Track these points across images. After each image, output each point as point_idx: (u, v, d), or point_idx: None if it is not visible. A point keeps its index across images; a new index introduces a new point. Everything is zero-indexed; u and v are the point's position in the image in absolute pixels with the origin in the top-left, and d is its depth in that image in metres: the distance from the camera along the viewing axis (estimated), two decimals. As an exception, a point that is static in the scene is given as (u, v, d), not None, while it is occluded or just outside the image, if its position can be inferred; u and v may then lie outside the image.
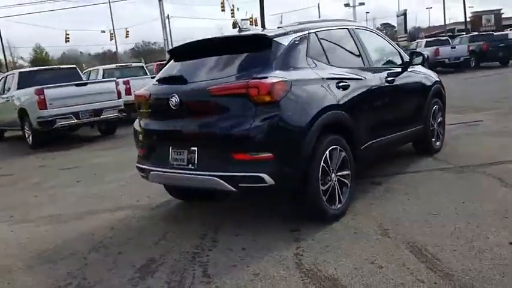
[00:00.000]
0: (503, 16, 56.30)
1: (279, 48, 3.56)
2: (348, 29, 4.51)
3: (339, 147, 3.70)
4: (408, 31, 48.35)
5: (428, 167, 5.13)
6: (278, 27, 3.89)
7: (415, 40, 32.40)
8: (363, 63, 4.44)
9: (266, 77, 3.33)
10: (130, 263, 3.34)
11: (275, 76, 3.38)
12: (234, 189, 3.36)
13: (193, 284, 2.90)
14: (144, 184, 5.59)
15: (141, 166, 4.07)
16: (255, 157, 3.27)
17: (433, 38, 25.71)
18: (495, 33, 24.84)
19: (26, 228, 4.48)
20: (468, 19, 53.41)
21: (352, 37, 4.47)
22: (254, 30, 4.46)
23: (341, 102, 3.77)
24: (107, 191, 5.63)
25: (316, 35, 3.99)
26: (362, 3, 38.07)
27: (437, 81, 5.70)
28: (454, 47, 20.78)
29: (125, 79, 12.57)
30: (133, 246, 3.68)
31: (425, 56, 5.50)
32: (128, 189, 5.62)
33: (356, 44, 4.46)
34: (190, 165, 3.57)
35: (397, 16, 46.63)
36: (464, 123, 7.42)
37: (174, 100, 3.60)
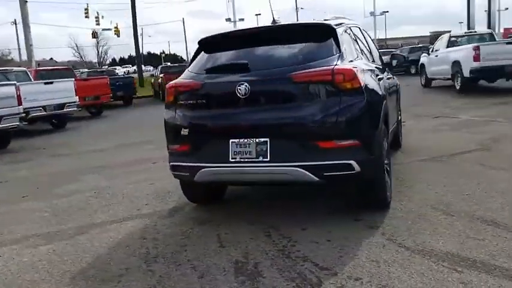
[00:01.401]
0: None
1: (340, 38, 3.59)
2: (359, 27, 4.74)
3: (385, 137, 3.86)
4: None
5: (406, 160, 5.61)
6: (325, 20, 3.90)
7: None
8: (373, 59, 4.71)
9: (343, 65, 3.34)
10: (217, 269, 2.99)
11: (350, 64, 3.40)
12: (316, 179, 3.25)
13: (321, 278, 2.73)
14: (122, 194, 5.09)
15: (183, 164, 3.65)
16: (342, 144, 3.23)
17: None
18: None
19: (20, 251, 3.64)
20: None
21: (363, 35, 4.71)
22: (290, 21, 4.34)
23: (384, 93, 3.95)
24: (82, 204, 4.87)
25: (351, 30, 4.12)
26: (242, 19, 40.20)
27: (398, 83, 6.29)
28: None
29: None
30: (198, 252, 3.28)
31: (406, 57, 6.01)
32: (106, 199, 4.96)
33: (366, 41, 4.73)
34: (260, 158, 3.34)
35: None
36: (394, 124, 8.26)
37: (244, 88, 3.34)
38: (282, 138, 3.33)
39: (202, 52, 3.94)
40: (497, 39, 14.61)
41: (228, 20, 38.13)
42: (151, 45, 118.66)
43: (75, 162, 7.47)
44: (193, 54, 4.05)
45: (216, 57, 3.83)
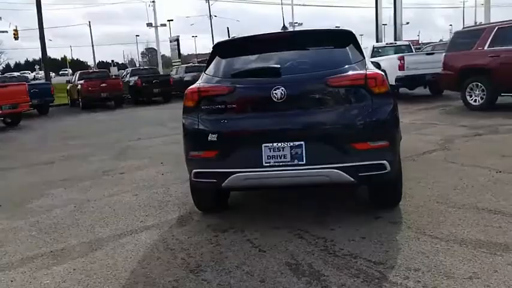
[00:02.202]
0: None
1: (358, 43, 3.79)
2: None
3: None
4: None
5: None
6: (336, 26, 4.07)
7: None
8: None
9: (371, 70, 3.54)
10: (273, 272, 3.00)
11: (373, 69, 3.61)
12: (352, 180, 3.39)
13: (382, 271, 2.88)
14: (109, 207, 4.85)
15: (210, 171, 3.57)
16: (376, 145, 3.40)
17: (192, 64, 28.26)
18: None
19: (33, 273, 3.31)
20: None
21: None
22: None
23: None
24: (69, 220, 4.51)
25: None
26: (164, 24, 39.73)
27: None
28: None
29: None
30: (241, 258, 3.25)
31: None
32: (95, 213, 4.65)
33: None
34: (296, 161, 3.40)
35: (170, 42, 48.63)
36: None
37: (280, 92, 3.38)
38: (318, 140, 3.42)
39: (218, 56, 3.90)
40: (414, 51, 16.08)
41: (150, 24, 37.58)
42: (51, 50, 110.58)
43: (31, 176, 6.82)
44: (208, 58, 3.99)
45: (239, 61, 3.83)
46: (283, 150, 3.43)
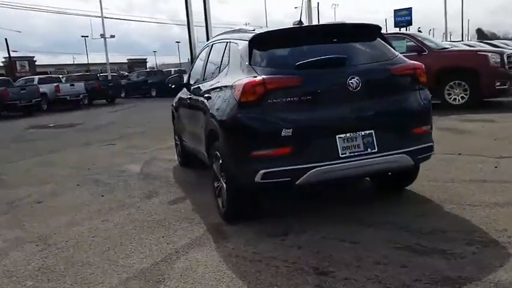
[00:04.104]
0: (37, 63, 59.09)
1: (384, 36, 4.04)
2: None
3: None
4: None
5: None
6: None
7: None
8: None
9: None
10: (399, 256, 3.00)
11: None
12: (412, 163, 3.60)
13: (485, 237, 3.16)
14: (101, 237, 4.02)
15: (283, 169, 3.28)
16: (426, 129, 3.71)
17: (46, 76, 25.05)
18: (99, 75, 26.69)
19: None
20: (2, 64, 53.68)
21: None
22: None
23: None
24: (59, 261, 3.51)
25: None
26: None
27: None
28: (73, 85, 20.88)
29: None
30: (345, 254, 3.10)
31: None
32: (90, 247, 3.72)
33: None
34: (368, 150, 3.43)
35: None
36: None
37: (355, 82, 3.37)
38: (385, 128, 3.51)
39: (259, 49, 3.64)
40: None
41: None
42: None
43: None
44: (248, 50, 3.62)
45: (293, 52, 3.65)
46: (356, 140, 3.42)
